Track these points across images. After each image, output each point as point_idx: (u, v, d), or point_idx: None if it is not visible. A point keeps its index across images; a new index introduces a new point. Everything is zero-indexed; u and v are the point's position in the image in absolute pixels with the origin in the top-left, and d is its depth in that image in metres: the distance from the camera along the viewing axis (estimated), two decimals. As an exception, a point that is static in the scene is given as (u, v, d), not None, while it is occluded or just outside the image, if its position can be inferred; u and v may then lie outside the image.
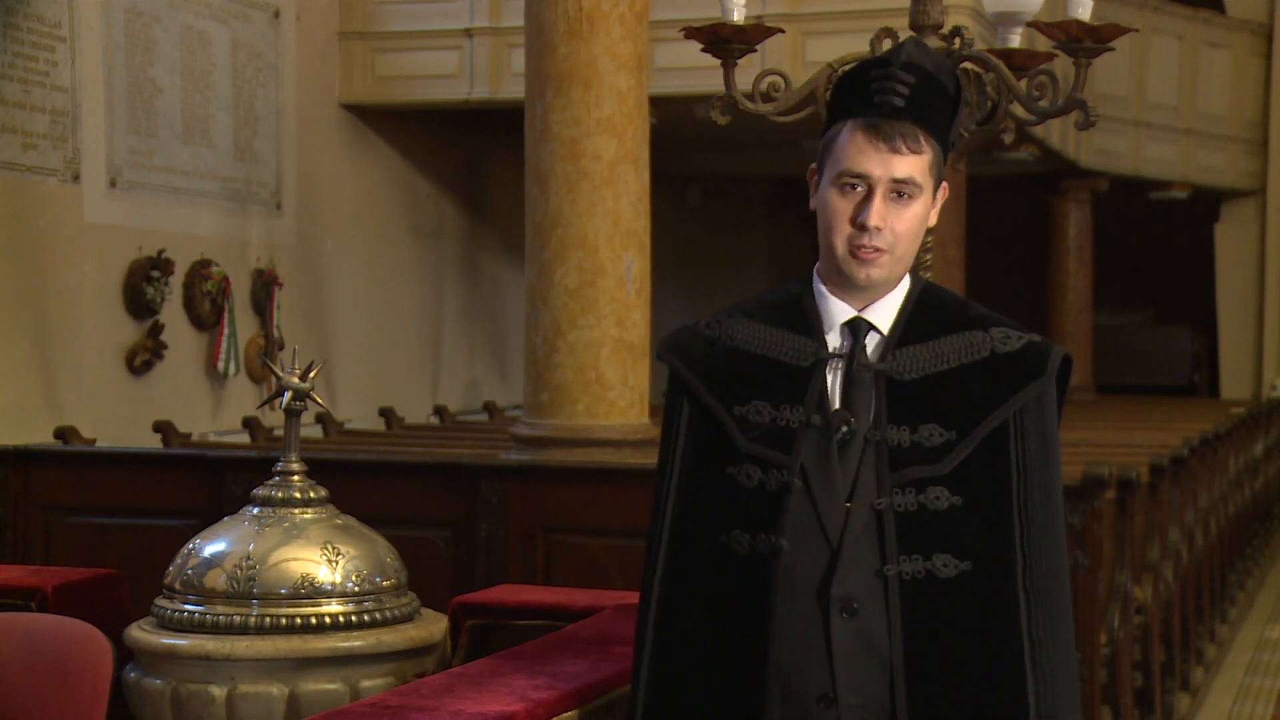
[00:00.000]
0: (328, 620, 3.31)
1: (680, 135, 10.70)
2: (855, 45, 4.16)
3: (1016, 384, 2.40)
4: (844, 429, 2.37)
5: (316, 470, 3.58)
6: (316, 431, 8.35)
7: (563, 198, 5.97)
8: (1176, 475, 7.07)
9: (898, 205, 2.36)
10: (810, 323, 2.43)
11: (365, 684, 3.28)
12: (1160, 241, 16.43)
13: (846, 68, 3.64)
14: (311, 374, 3.44)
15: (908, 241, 2.38)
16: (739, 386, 2.43)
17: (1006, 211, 15.44)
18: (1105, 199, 13.81)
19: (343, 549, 3.38)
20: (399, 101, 10.39)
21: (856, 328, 2.41)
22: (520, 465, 5.54)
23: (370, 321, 10.54)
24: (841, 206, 2.37)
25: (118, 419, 8.06)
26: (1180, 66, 13.63)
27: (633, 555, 4.58)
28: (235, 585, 3.30)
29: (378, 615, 3.36)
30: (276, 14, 9.54)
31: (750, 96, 3.95)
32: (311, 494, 3.47)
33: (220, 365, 8.80)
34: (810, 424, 2.38)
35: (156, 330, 8.37)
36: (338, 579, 3.34)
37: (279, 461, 3.50)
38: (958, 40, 3.90)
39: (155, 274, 8.28)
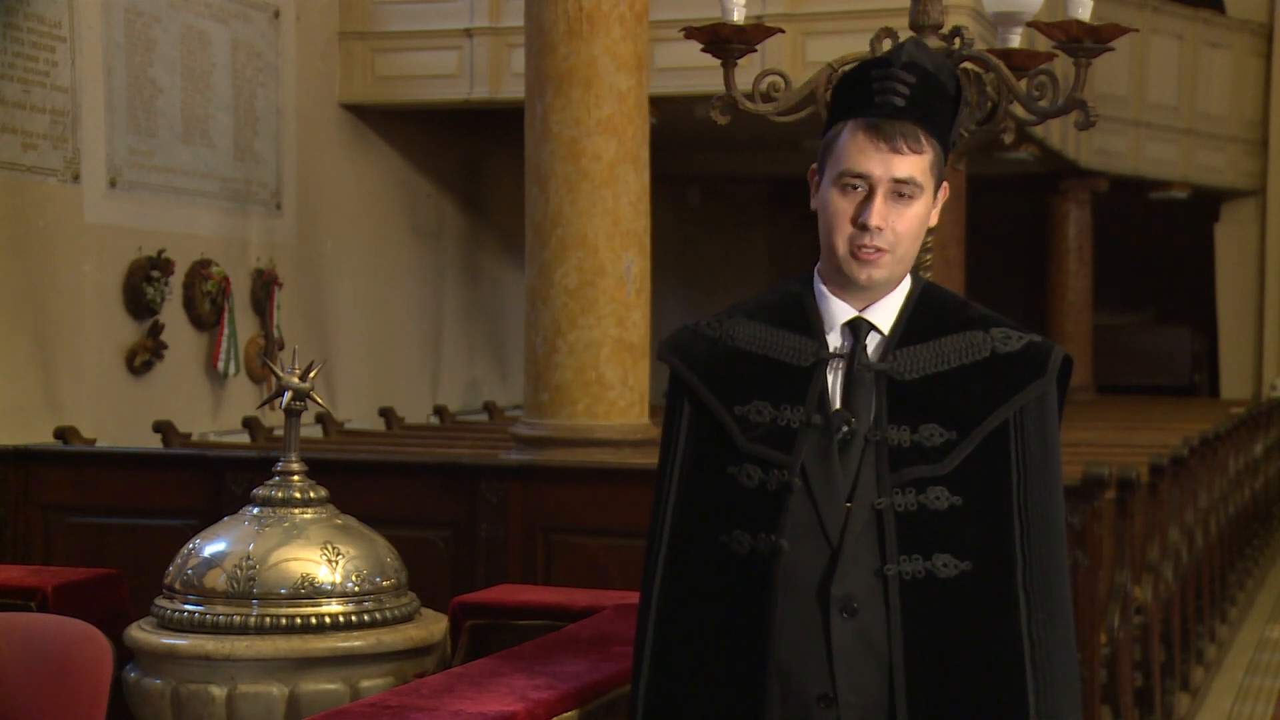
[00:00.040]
0: (328, 620, 3.31)
1: (680, 135, 10.70)
2: (855, 45, 4.16)
3: (1017, 384, 2.40)
4: (844, 429, 2.37)
5: (316, 470, 3.58)
6: (316, 431, 8.36)
7: (563, 198, 5.97)
8: (1176, 475, 7.07)
9: (899, 205, 2.36)
10: (811, 323, 2.43)
11: (365, 684, 3.28)
12: (1160, 241, 16.43)
13: (846, 68, 3.65)
14: (311, 374, 3.44)
15: (909, 241, 2.38)
16: (740, 386, 2.44)
17: (1006, 211, 15.44)
18: (1105, 199, 13.81)
19: (343, 549, 3.38)
20: (399, 101, 10.39)
21: (857, 328, 2.41)
22: (520, 465, 5.54)
23: (370, 321, 10.54)
24: (842, 206, 2.37)
25: (118, 419, 8.06)
26: (1180, 66, 13.63)
27: (633, 555, 4.57)
28: (235, 585, 3.30)
29: (378, 615, 3.36)
30: (276, 14, 9.54)
31: (750, 96, 3.95)
32: (311, 494, 3.46)
33: (220, 365, 8.80)
34: (811, 424, 2.38)
35: (156, 330, 8.38)
36: (338, 579, 3.34)
37: (279, 461, 3.50)
38: (958, 40, 3.89)
39: (155, 274, 8.28)
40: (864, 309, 2.42)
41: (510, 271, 11.69)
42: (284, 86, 9.61)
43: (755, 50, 4.01)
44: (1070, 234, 13.47)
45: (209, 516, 4.28)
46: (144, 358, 8.31)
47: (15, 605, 3.81)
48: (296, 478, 3.47)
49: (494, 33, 10.03)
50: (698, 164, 13.66)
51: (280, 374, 3.43)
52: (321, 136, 10.05)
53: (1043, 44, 4.76)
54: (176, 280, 8.53)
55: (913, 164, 2.35)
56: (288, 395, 3.43)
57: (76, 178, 7.92)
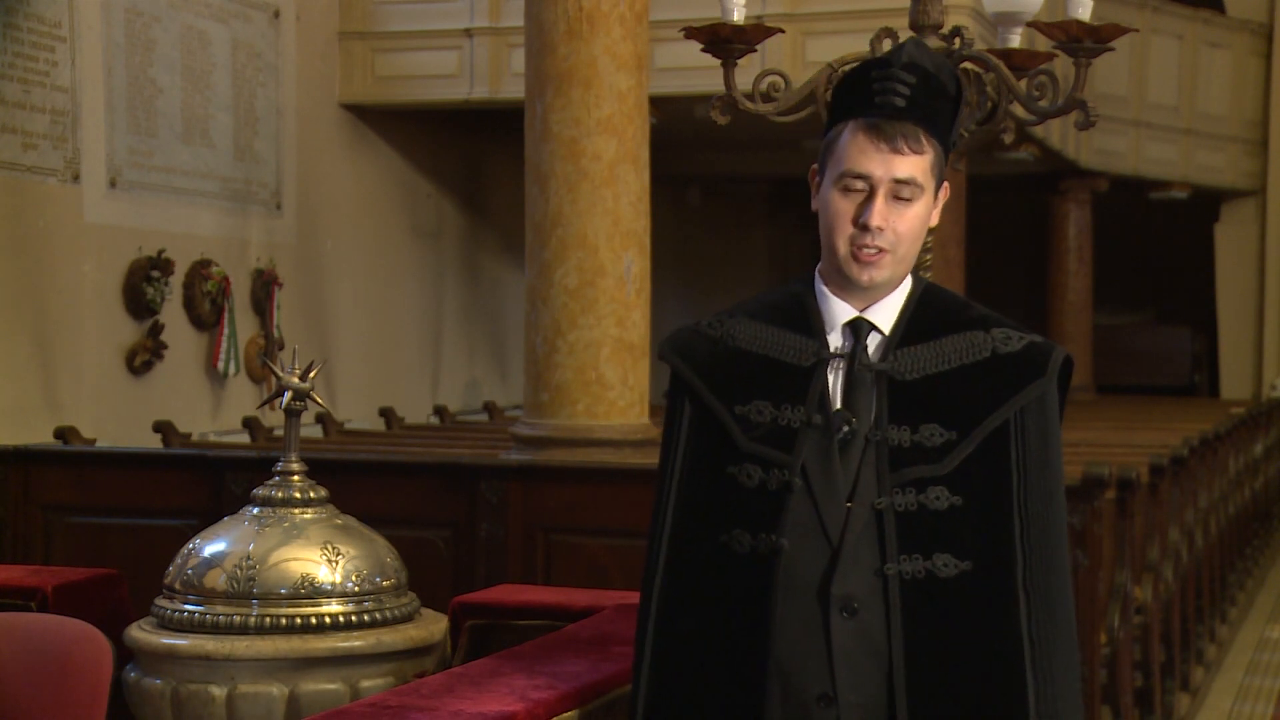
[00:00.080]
0: (328, 620, 3.31)
1: (680, 135, 10.70)
2: (855, 45, 4.16)
3: (1017, 385, 2.40)
4: (845, 429, 2.37)
5: (316, 470, 3.58)
6: (316, 431, 8.36)
7: (563, 198, 5.97)
8: (1176, 475, 7.07)
9: (899, 205, 2.36)
10: (812, 323, 2.43)
11: (365, 684, 3.28)
12: (1160, 241, 16.43)
13: (846, 68, 3.65)
14: (311, 374, 3.44)
15: (909, 242, 2.38)
16: (740, 386, 2.44)
17: (1006, 211, 15.44)
18: (1105, 199, 13.81)
19: (343, 549, 3.38)
20: (399, 101, 10.39)
21: (858, 328, 2.41)
22: (520, 465, 5.54)
23: (370, 321, 10.54)
24: (843, 207, 2.37)
25: (118, 419, 8.06)
26: (1180, 66, 13.63)
27: (633, 555, 4.57)
28: (235, 585, 3.30)
29: (378, 615, 3.36)
30: (276, 14, 9.54)
31: (750, 96, 3.95)
32: (311, 494, 3.46)
33: (220, 365, 8.80)
34: (811, 424, 2.38)
35: (156, 330, 8.38)
36: (338, 579, 3.34)
37: (279, 461, 3.50)
38: (958, 40, 3.89)
39: (155, 274, 8.28)
40: (865, 309, 2.42)
41: (510, 271, 11.69)
42: (284, 86, 9.61)
43: (755, 50, 4.00)
44: (1070, 234, 13.47)
45: (209, 516, 4.28)
46: (144, 358, 8.31)
47: (15, 605, 3.81)
48: (296, 478, 3.47)
49: (494, 33, 10.03)
50: (698, 164, 13.66)
51: (280, 374, 3.43)
52: (321, 136, 10.05)
53: (1043, 44, 4.76)
54: (176, 280, 8.53)
55: (913, 164, 2.35)
56: (288, 395, 3.43)
57: (76, 178, 7.92)
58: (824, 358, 2.41)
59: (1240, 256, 14.33)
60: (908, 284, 2.45)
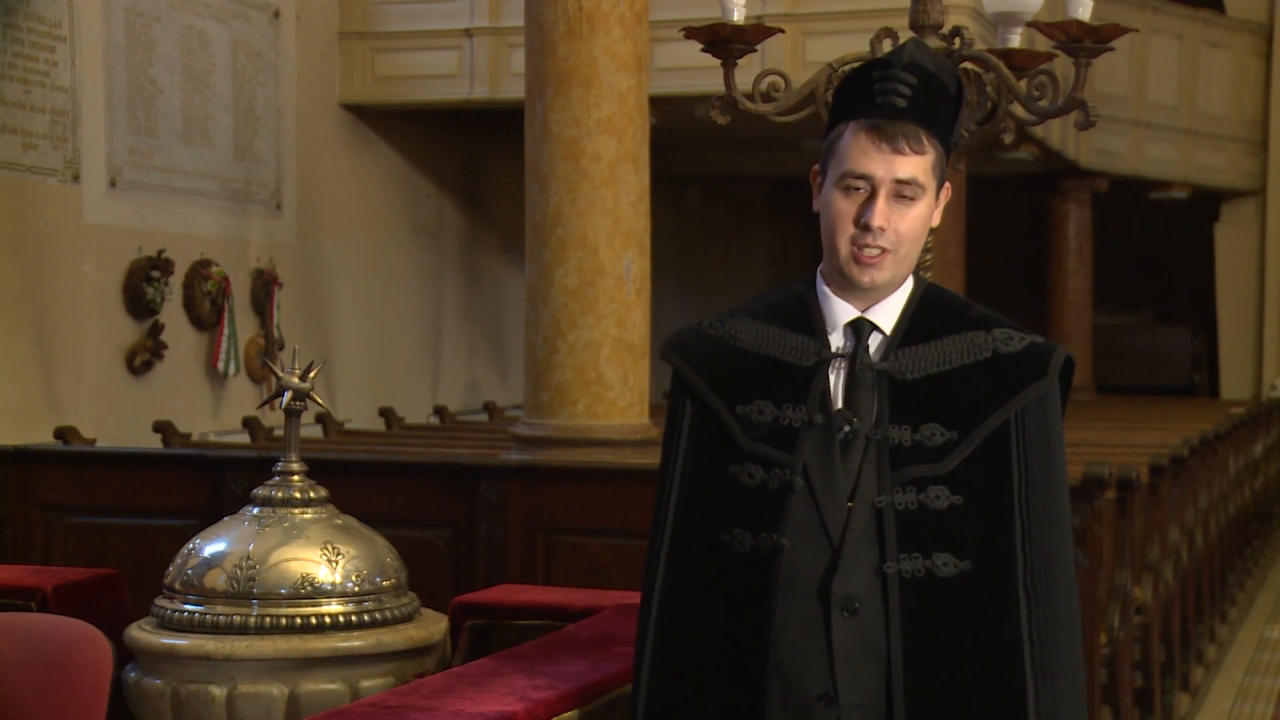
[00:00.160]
0: (328, 620, 3.31)
1: (680, 135, 10.70)
2: (855, 45, 4.16)
3: (1018, 385, 2.40)
4: (846, 429, 2.37)
5: (316, 470, 3.58)
6: (316, 431, 8.35)
7: (563, 198, 5.97)
8: (1176, 475, 7.07)
9: (901, 206, 2.36)
10: (813, 323, 2.43)
11: (365, 684, 3.28)
12: (1160, 241, 16.43)
13: (847, 68, 3.65)
14: (311, 374, 3.44)
15: (911, 242, 2.38)
16: (742, 386, 2.44)
17: (1006, 211, 15.45)
18: (1105, 199, 13.81)
19: (343, 549, 3.38)
20: (399, 101, 10.39)
21: (859, 328, 2.41)
22: (520, 465, 5.54)
23: (370, 321, 10.54)
24: (845, 207, 2.37)
25: (118, 419, 8.06)
26: (1180, 66, 13.63)
27: (633, 555, 4.58)
28: (235, 585, 3.30)
29: (378, 615, 3.36)
30: (276, 14, 9.54)
31: (750, 96, 3.95)
32: (311, 494, 3.46)
33: (220, 365, 8.80)
34: (813, 423, 2.38)
35: (156, 330, 8.37)
36: (338, 579, 3.34)
37: (279, 461, 3.50)
38: (958, 40, 3.89)
39: (155, 274, 8.28)
40: (866, 309, 2.42)
41: (510, 271, 11.69)
42: (284, 86, 9.61)
43: (755, 50, 4.00)
44: (1070, 234, 13.47)
45: (209, 516, 4.28)
46: (144, 358, 8.31)
47: (15, 605, 3.81)
48: (296, 478, 3.47)
49: (494, 33, 10.03)
50: (698, 164, 13.66)
51: (280, 374, 3.43)
52: (321, 136, 10.05)
53: (1043, 44, 4.76)
54: (176, 280, 8.53)
55: (915, 165, 2.35)
56: (288, 395, 3.43)
57: (76, 178, 7.92)
58: (825, 358, 2.41)
59: (1240, 256, 14.33)
60: (909, 284, 2.45)
